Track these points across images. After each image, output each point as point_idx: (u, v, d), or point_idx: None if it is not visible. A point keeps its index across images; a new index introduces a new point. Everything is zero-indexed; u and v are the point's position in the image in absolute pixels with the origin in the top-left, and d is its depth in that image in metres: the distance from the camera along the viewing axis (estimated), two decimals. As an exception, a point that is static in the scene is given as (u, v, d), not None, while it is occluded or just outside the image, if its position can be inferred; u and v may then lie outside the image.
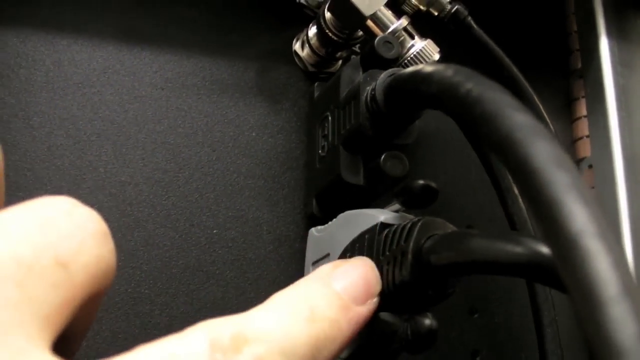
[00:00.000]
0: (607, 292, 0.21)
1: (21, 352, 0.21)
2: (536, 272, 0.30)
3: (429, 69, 0.34)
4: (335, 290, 0.32)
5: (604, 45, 0.63)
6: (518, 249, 0.30)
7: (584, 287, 0.21)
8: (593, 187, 0.61)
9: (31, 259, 0.22)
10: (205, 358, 0.24)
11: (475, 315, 0.53)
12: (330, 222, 0.46)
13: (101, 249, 0.25)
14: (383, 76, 0.40)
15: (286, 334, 0.27)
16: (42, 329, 0.22)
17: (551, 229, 0.23)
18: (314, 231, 0.48)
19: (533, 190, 0.25)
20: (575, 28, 0.67)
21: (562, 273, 0.23)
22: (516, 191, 0.46)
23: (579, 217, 0.23)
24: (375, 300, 0.34)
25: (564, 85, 0.66)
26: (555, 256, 0.23)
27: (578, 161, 0.63)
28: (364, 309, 0.33)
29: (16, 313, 0.21)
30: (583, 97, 0.64)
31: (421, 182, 0.38)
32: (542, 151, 0.25)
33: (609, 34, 0.63)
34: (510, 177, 0.46)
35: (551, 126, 0.54)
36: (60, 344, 0.24)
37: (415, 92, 0.36)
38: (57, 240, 0.23)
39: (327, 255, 0.44)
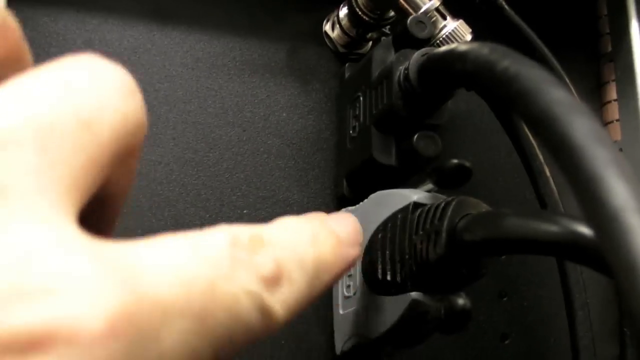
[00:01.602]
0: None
1: (43, 218, 0.21)
2: (572, 250, 0.30)
3: (464, 47, 0.34)
4: (331, 227, 0.33)
5: (635, 29, 0.62)
6: (554, 228, 0.30)
7: (627, 261, 0.21)
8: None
9: (52, 120, 0.22)
10: (226, 251, 0.25)
11: (505, 299, 0.53)
12: (361, 203, 0.46)
13: (127, 106, 0.24)
14: (416, 55, 0.40)
15: (296, 249, 0.29)
16: (66, 196, 0.22)
17: (592, 204, 0.23)
18: (344, 211, 0.47)
19: (573, 166, 0.25)
20: (605, 11, 0.67)
21: (604, 249, 0.22)
22: (548, 173, 0.46)
23: (620, 192, 0.23)
24: (359, 248, 0.35)
25: (593, 68, 0.66)
26: (596, 232, 0.23)
27: (608, 145, 0.63)
28: (352, 252, 0.34)
29: (37, 179, 0.21)
30: (613, 80, 0.64)
31: (455, 161, 0.38)
32: (582, 127, 0.25)
33: (639, 18, 0.63)
34: (542, 157, 0.46)
35: (583, 108, 0.53)
36: (97, 209, 0.24)
37: (450, 70, 0.36)
38: (78, 99, 0.23)
39: (358, 235, 0.44)
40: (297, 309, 0.28)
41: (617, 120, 0.63)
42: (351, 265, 0.33)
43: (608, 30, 0.66)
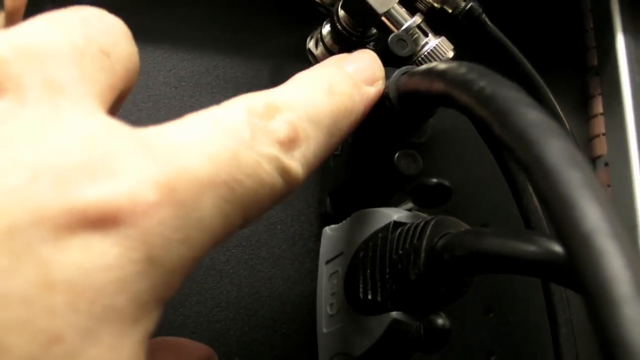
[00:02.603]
0: (620, 292, 0.21)
1: (90, 112, 0.25)
2: (550, 271, 0.30)
3: (442, 66, 0.34)
4: (347, 71, 0.36)
5: (620, 43, 0.63)
6: (532, 248, 0.30)
7: (597, 286, 0.22)
8: (609, 186, 0.61)
9: (83, 45, 0.26)
10: (244, 122, 0.28)
11: (491, 315, 0.53)
12: (344, 221, 0.46)
13: (131, 47, 0.29)
14: (396, 74, 0.40)
15: (311, 104, 0.32)
16: (99, 102, 0.26)
17: (565, 227, 0.23)
18: (327, 230, 0.48)
19: (546, 188, 0.25)
20: (591, 25, 0.67)
21: (575, 272, 0.23)
22: (531, 189, 0.46)
23: (592, 215, 0.23)
24: (380, 82, 0.39)
25: (580, 82, 0.66)
26: (569, 255, 0.23)
27: (594, 159, 0.63)
28: (373, 90, 0.38)
29: (80, 85, 0.25)
30: (599, 94, 0.64)
31: (434, 180, 0.39)
32: (556, 149, 0.25)
33: (625, 32, 0.63)
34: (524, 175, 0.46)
35: (567, 124, 0.53)
36: None
37: (429, 90, 0.36)
38: (98, 34, 0.27)
39: (341, 253, 0.44)
40: (318, 161, 0.32)
41: (603, 134, 0.63)
42: (373, 102, 0.37)
43: (594, 44, 0.66)
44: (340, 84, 0.34)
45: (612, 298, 0.21)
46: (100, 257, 0.22)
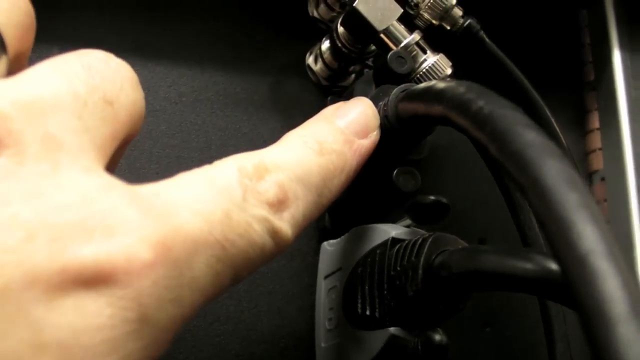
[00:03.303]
0: (615, 312, 0.21)
1: (88, 168, 0.24)
2: (546, 288, 0.30)
3: (440, 85, 0.35)
4: (339, 126, 0.36)
5: (617, 58, 0.63)
6: (528, 265, 0.31)
7: (593, 306, 0.22)
8: (605, 200, 0.61)
9: (85, 95, 0.26)
10: (236, 182, 0.28)
11: (488, 329, 0.53)
12: (342, 237, 0.46)
13: (136, 94, 0.29)
14: (396, 92, 0.40)
15: (300, 165, 0.32)
16: (98, 155, 0.26)
17: (561, 248, 0.24)
18: (326, 245, 0.48)
19: (543, 209, 0.25)
20: (588, 40, 0.67)
21: (571, 292, 0.23)
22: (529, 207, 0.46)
23: (588, 236, 0.23)
24: (375, 133, 0.38)
25: (577, 97, 0.66)
26: (565, 275, 0.23)
27: (591, 174, 0.63)
28: (367, 142, 0.37)
29: (80, 138, 0.25)
30: (596, 109, 0.64)
31: (432, 197, 0.39)
32: (553, 170, 0.26)
33: (622, 47, 0.63)
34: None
35: (563, 140, 0.54)
36: None
37: (427, 108, 0.36)
38: (102, 82, 0.27)
39: (339, 269, 0.45)
40: (308, 221, 0.32)
41: (599, 149, 0.63)
42: (367, 155, 0.37)
43: (591, 59, 0.66)
44: (331, 143, 0.35)
45: (608, 318, 0.21)
46: (93, 317, 0.22)
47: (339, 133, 0.36)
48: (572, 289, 0.23)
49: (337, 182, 0.34)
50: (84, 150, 0.25)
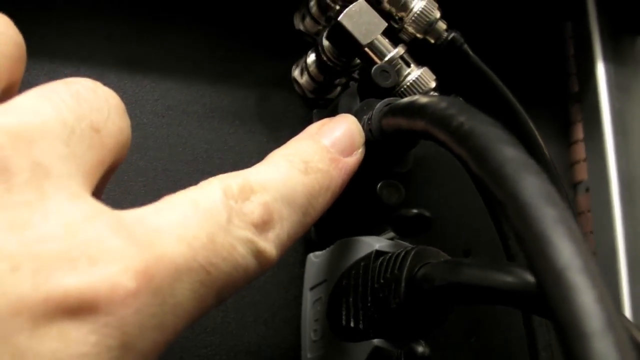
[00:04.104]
0: (590, 326, 0.22)
1: (75, 195, 0.25)
2: (525, 301, 0.31)
3: (422, 100, 0.35)
4: (324, 145, 0.36)
5: (601, 70, 0.63)
6: (509, 278, 0.31)
7: (569, 320, 0.22)
8: (589, 211, 0.62)
9: (73, 122, 0.26)
10: (220, 204, 0.28)
11: (472, 340, 0.54)
12: (327, 249, 0.47)
13: (122, 122, 0.29)
14: (380, 105, 0.41)
15: (286, 185, 0.32)
16: (85, 181, 0.26)
17: (538, 263, 0.24)
18: (312, 257, 0.48)
19: (521, 224, 0.25)
20: (573, 52, 0.68)
21: (548, 306, 0.23)
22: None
23: (565, 252, 0.24)
24: (360, 150, 0.39)
25: (562, 108, 0.67)
26: (542, 289, 0.24)
27: (575, 184, 0.64)
28: (352, 159, 0.38)
29: (68, 165, 0.25)
30: (580, 120, 0.65)
31: (414, 210, 0.39)
32: (530, 186, 0.26)
33: (606, 59, 0.64)
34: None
35: (546, 152, 0.54)
36: None
37: (410, 123, 0.37)
38: (89, 110, 0.27)
39: (325, 281, 0.45)
40: (293, 240, 0.33)
41: (584, 160, 0.64)
42: (352, 172, 0.37)
43: (575, 71, 0.67)
44: (316, 162, 0.35)
45: (583, 332, 0.22)
46: (77, 345, 0.22)
47: (325, 152, 0.36)
48: (548, 303, 0.23)
49: (322, 201, 0.35)
50: (71, 176, 0.25)
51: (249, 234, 0.29)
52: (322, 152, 0.36)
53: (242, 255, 0.28)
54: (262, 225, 0.30)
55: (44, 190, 0.24)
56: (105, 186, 0.31)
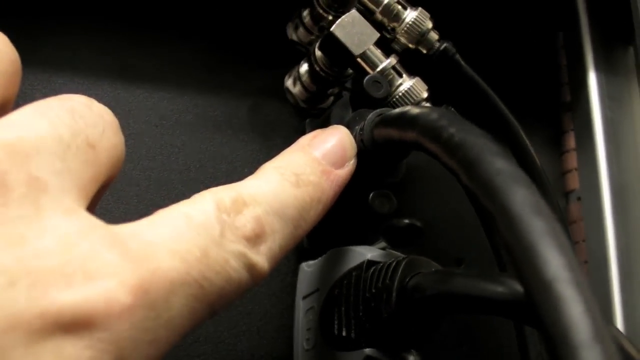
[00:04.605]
0: (579, 337, 0.22)
1: (70, 210, 0.25)
2: (516, 311, 0.31)
3: (414, 112, 0.35)
4: (316, 157, 0.37)
5: (592, 79, 0.64)
6: (499, 288, 0.31)
7: (557, 331, 0.22)
8: (581, 219, 0.62)
9: (69, 138, 0.26)
10: (214, 218, 0.28)
11: (463, 347, 0.54)
12: (320, 258, 0.47)
13: (117, 138, 0.29)
14: (371, 116, 0.41)
15: (277, 197, 0.32)
16: (80, 196, 0.26)
17: (527, 274, 0.24)
18: (304, 266, 0.49)
19: (510, 236, 0.25)
20: (565, 62, 0.68)
21: (537, 317, 0.23)
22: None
23: (553, 263, 0.24)
24: (352, 162, 0.39)
25: (554, 118, 0.67)
26: (531, 300, 0.24)
27: (567, 193, 0.64)
28: (343, 171, 0.38)
29: (63, 180, 0.25)
30: (572, 130, 0.65)
31: (406, 221, 0.39)
32: (520, 197, 0.26)
33: (597, 68, 0.64)
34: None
35: (537, 161, 0.54)
36: None
37: (401, 134, 0.37)
38: (84, 126, 0.27)
39: (317, 290, 0.45)
40: (284, 253, 0.33)
41: (575, 169, 0.64)
42: (344, 184, 0.37)
43: (567, 80, 0.67)
44: (307, 174, 0.35)
45: (572, 343, 0.22)
46: None
47: (316, 164, 0.36)
48: (537, 314, 0.23)
49: (314, 213, 0.35)
50: (67, 191, 0.25)
51: (241, 247, 0.29)
52: (313, 164, 0.36)
53: (234, 269, 0.28)
54: (255, 239, 0.30)
55: (40, 205, 0.24)
56: (99, 201, 0.31)
